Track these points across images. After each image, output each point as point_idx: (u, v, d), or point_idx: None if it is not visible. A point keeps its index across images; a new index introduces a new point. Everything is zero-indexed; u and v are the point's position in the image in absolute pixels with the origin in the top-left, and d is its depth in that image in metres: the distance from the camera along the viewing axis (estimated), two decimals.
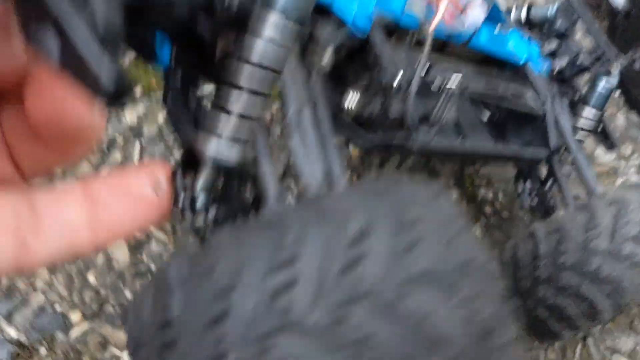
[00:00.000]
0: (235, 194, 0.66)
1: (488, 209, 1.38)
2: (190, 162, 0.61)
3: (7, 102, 0.30)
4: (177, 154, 1.26)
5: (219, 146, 0.58)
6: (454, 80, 0.84)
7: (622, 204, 0.99)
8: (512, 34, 1.18)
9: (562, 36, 1.26)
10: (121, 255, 1.19)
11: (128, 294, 1.16)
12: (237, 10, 0.57)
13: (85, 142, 0.35)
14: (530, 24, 1.33)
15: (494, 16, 1.13)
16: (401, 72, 0.75)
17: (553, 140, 1.07)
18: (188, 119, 0.62)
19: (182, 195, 0.58)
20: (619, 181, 1.47)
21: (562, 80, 1.24)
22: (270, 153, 0.62)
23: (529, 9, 1.33)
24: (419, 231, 0.48)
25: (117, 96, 0.34)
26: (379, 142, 0.78)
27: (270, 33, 0.54)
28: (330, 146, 0.66)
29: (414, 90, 0.77)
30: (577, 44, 1.25)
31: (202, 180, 0.59)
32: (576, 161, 1.17)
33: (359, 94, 0.77)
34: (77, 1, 0.35)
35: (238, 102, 0.59)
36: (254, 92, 0.58)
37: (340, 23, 0.76)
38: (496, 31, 1.16)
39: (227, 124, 0.59)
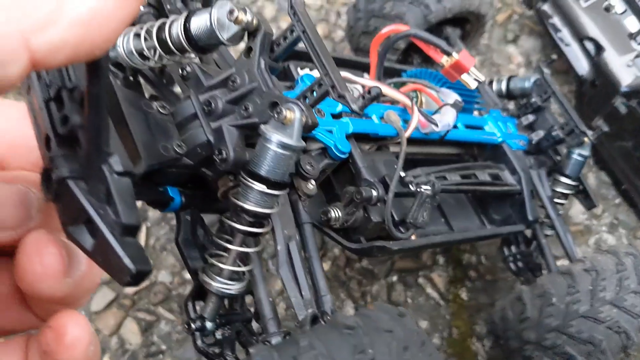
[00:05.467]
0: (238, 312, 0.78)
1: (472, 273, 1.48)
2: (200, 292, 0.74)
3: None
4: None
5: (221, 283, 0.71)
6: (426, 183, 0.95)
7: (600, 269, 1.10)
8: (491, 114, 1.29)
9: (538, 109, 1.37)
10: (133, 337, 1.30)
11: None
12: (233, 163, 0.70)
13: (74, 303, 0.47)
14: (510, 96, 1.44)
15: (471, 101, 1.24)
16: (377, 190, 0.87)
17: (530, 215, 1.18)
18: (197, 255, 0.76)
19: (194, 324, 0.71)
20: (592, 239, 1.57)
21: (540, 151, 1.34)
22: (264, 280, 0.75)
23: (508, 81, 1.44)
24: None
25: (139, 279, 0.47)
26: (363, 247, 0.90)
27: (256, 198, 0.67)
28: (317, 269, 0.78)
29: (390, 198, 0.90)
30: (552, 117, 1.36)
31: (209, 309, 0.72)
32: (555, 228, 1.27)
33: (343, 206, 0.89)
34: (103, 203, 0.48)
35: (235, 243, 0.71)
36: (249, 234, 0.71)
37: (323, 149, 0.89)
38: (474, 115, 1.28)
39: (227, 263, 0.71)
